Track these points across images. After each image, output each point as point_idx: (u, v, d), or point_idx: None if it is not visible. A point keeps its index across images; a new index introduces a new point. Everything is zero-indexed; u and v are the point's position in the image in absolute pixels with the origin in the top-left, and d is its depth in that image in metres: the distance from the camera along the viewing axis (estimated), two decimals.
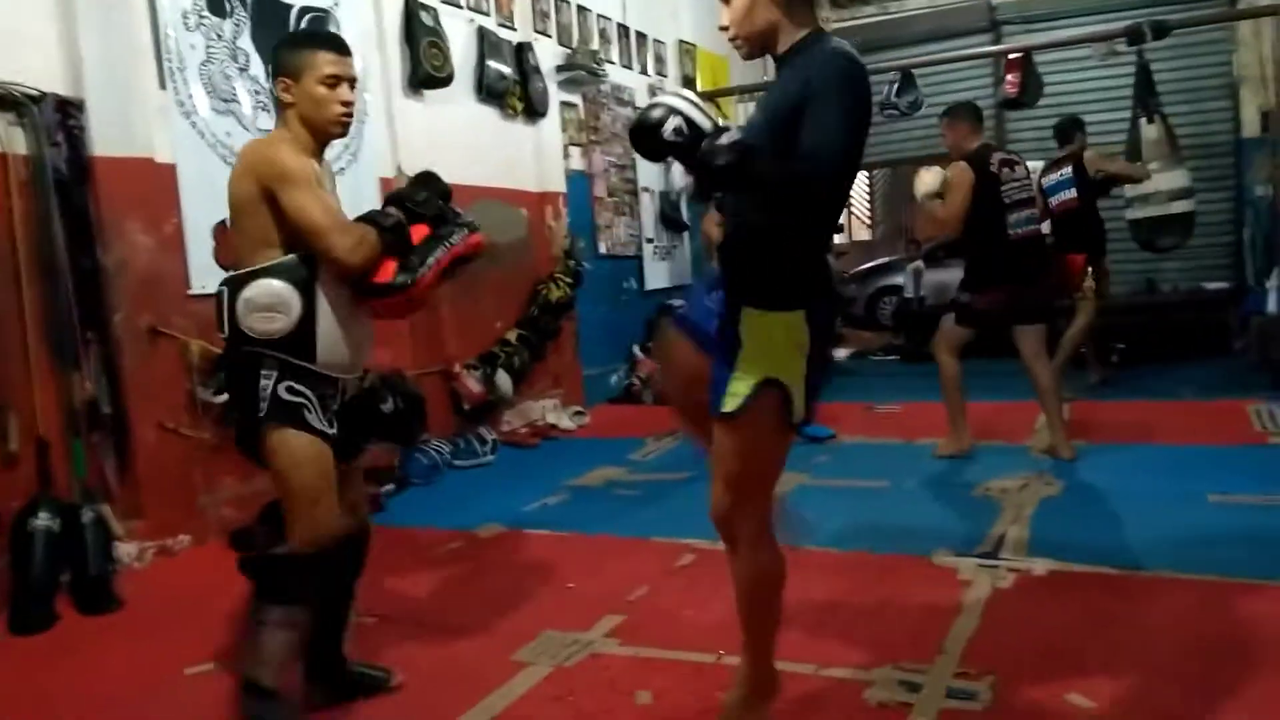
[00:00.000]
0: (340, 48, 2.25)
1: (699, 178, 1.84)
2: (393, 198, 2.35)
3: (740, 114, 8.04)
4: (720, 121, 1.75)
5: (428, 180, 2.38)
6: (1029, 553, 3.19)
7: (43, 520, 3.27)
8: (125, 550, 3.56)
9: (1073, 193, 5.63)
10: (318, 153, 2.25)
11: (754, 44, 1.93)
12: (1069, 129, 5.85)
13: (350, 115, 2.24)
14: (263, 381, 2.11)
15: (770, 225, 1.85)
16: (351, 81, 2.24)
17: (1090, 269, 5.59)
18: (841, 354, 9.17)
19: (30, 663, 2.87)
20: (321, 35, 2.44)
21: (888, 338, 9.28)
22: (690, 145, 1.72)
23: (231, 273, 2.19)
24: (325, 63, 2.18)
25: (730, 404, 1.86)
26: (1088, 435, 4.79)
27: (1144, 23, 6.05)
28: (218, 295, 2.19)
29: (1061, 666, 2.35)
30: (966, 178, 4.34)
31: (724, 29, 1.95)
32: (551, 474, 4.79)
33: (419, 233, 2.27)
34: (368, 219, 2.21)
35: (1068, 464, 4.30)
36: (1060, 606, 2.75)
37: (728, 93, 8.10)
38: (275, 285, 2.10)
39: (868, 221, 16.64)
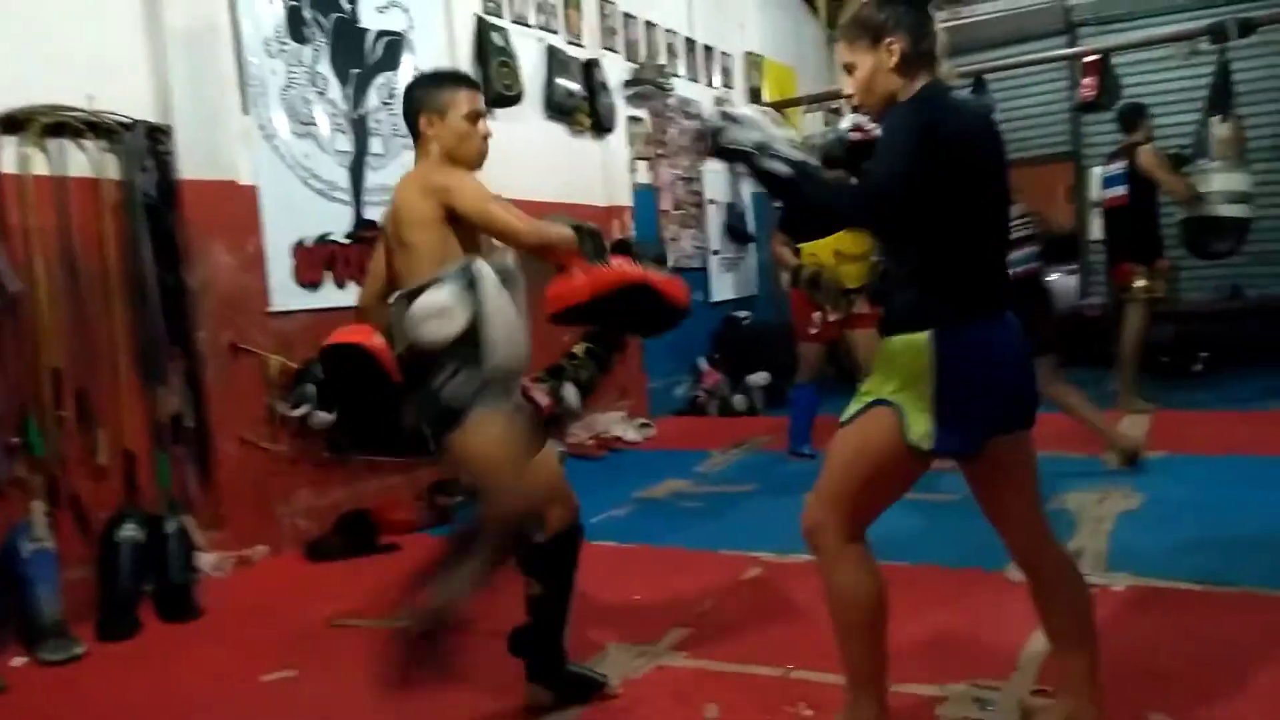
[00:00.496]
0: (475, 85, 2.46)
1: (758, 180, 1.90)
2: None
3: (808, 124, 8.00)
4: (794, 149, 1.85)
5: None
6: (1108, 568, 3.10)
7: (129, 531, 3.39)
8: (206, 560, 3.68)
9: (1122, 189, 5.45)
10: None
11: (878, 109, 1.97)
12: (1131, 116, 5.64)
13: (488, 146, 2.40)
14: (442, 381, 2.20)
15: (888, 252, 1.94)
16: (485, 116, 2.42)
17: (1143, 268, 5.40)
18: None
19: (116, 669, 2.98)
20: (459, 74, 2.61)
21: None
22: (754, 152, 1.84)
23: (400, 291, 2.30)
24: (467, 100, 2.35)
25: (845, 413, 1.93)
26: (1170, 446, 4.63)
27: (1228, 20, 5.85)
28: (394, 311, 2.29)
29: (1142, 685, 2.28)
30: None
31: (847, 97, 2.01)
32: (617, 486, 4.80)
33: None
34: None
35: (1148, 476, 4.16)
36: (1141, 623, 2.66)
37: (795, 103, 8.07)
38: (443, 293, 2.20)
39: None
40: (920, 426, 1.81)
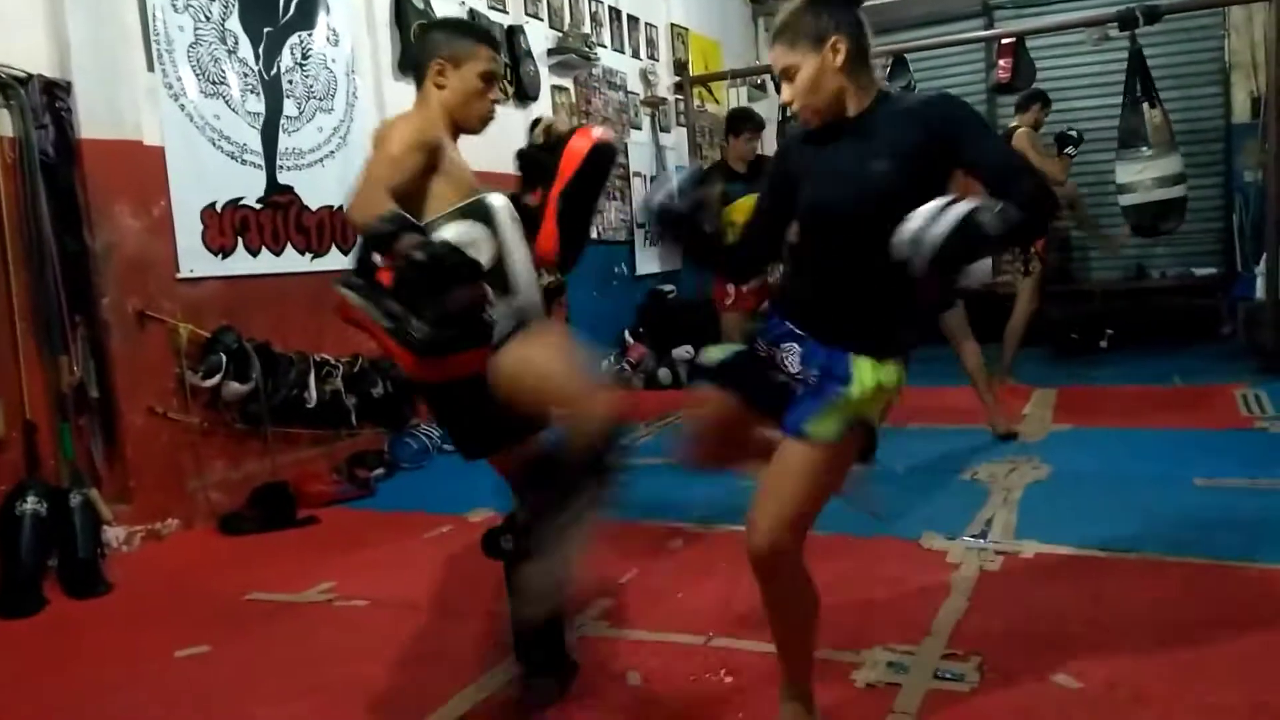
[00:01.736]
0: (499, 48, 2.25)
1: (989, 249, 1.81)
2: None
3: (732, 98, 8.02)
4: None
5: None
6: (1017, 536, 3.20)
7: (30, 504, 3.26)
8: (114, 534, 3.56)
9: None
10: (453, 139, 2.19)
11: (822, 113, 1.91)
12: (1023, 101, 5.87)
13: (492, 115, 2.22)
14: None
15: (875, 274, 1.82)
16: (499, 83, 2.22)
17: (1023, 251, 5.57)
18: None
19: (19, 646, 2.87)
20: (483, 29, 2.37)
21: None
22: None
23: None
24: (488, 58, 2.15)
25: (818, 428, 1.81)
26: (1077, 420, 4.81)
27: (1136, 7, 6.03)
28: None
29: (1049, 648, 2.36)
30: None
31: (787, 105, 1.95)
32: None
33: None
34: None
35: (1055, 449, 4.32)
36: (1048, 589, 2.76)
37: (719, 77, 8.07)
38: (464, 226, 2.02)
39: None
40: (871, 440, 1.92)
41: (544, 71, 6.40)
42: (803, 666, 1.99)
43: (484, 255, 2.00)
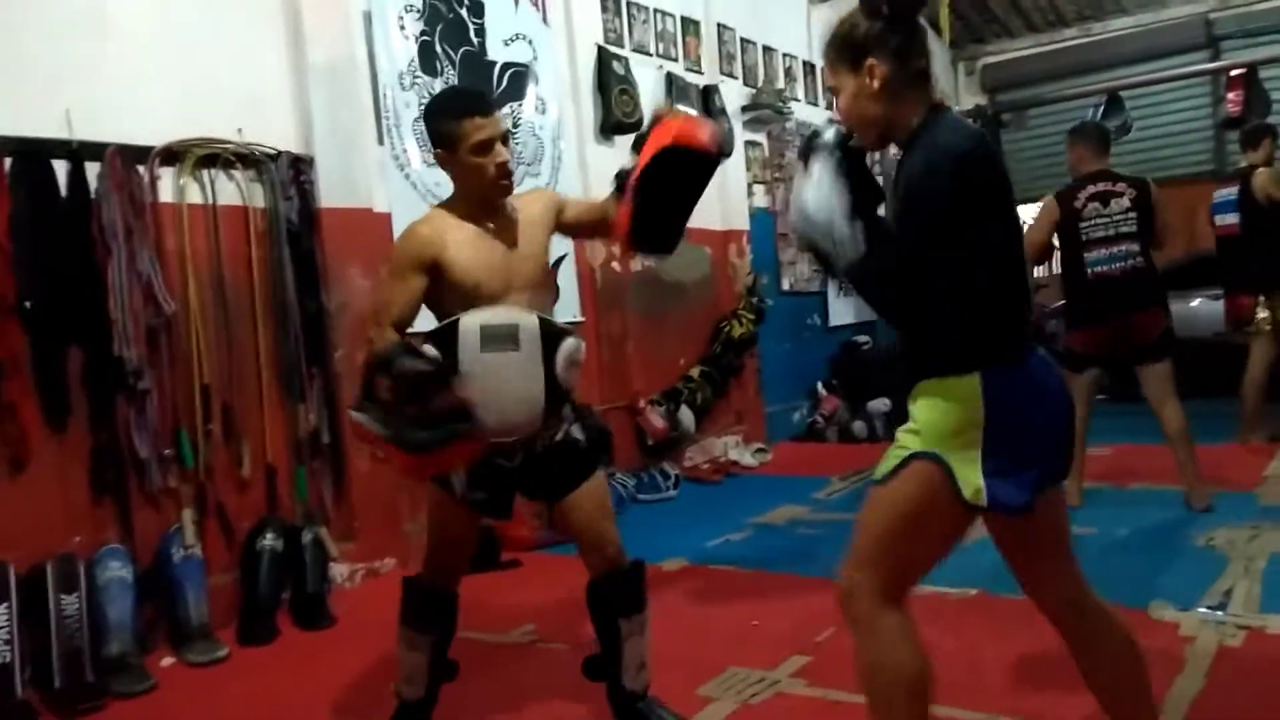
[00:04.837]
0: (485, 109, 2.22)
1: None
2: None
3: None
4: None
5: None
6: (1261, 609, 2.90)
7: (269, 540, 3.57)
8: (339, 570, 3.83)
9: (1233, 217, 5.11)
10: (484, 214, 2.25)
11: (869, 137, 1.76)
12: (1251, 135, 5.30)
13: (507, 174, 2.22)
14: None
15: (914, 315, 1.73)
16: (504, 138, 2.21)
17: (1263, 299, 5.04)
18: None
19: (254, 671, 3.13)
20: (465, 99, 2.43)
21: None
22: None
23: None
24: (474, 130, 2.15)
25: (879, 469, 1.72)
26: None
27: None
28: None
29: None
30: (1048, 209, 4.19)
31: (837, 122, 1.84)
32: (734, 510, 4.77)
33: None
34: (387, 356, 2.06)
35: None
36: None
37: None
38: (427, 349, 2.10)
39: None
40: (973, 481, 1.62)
41: (738, 127, 6.51)
42: None
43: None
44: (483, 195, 2.22)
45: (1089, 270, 4.09)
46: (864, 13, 1.71)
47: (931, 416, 1.67)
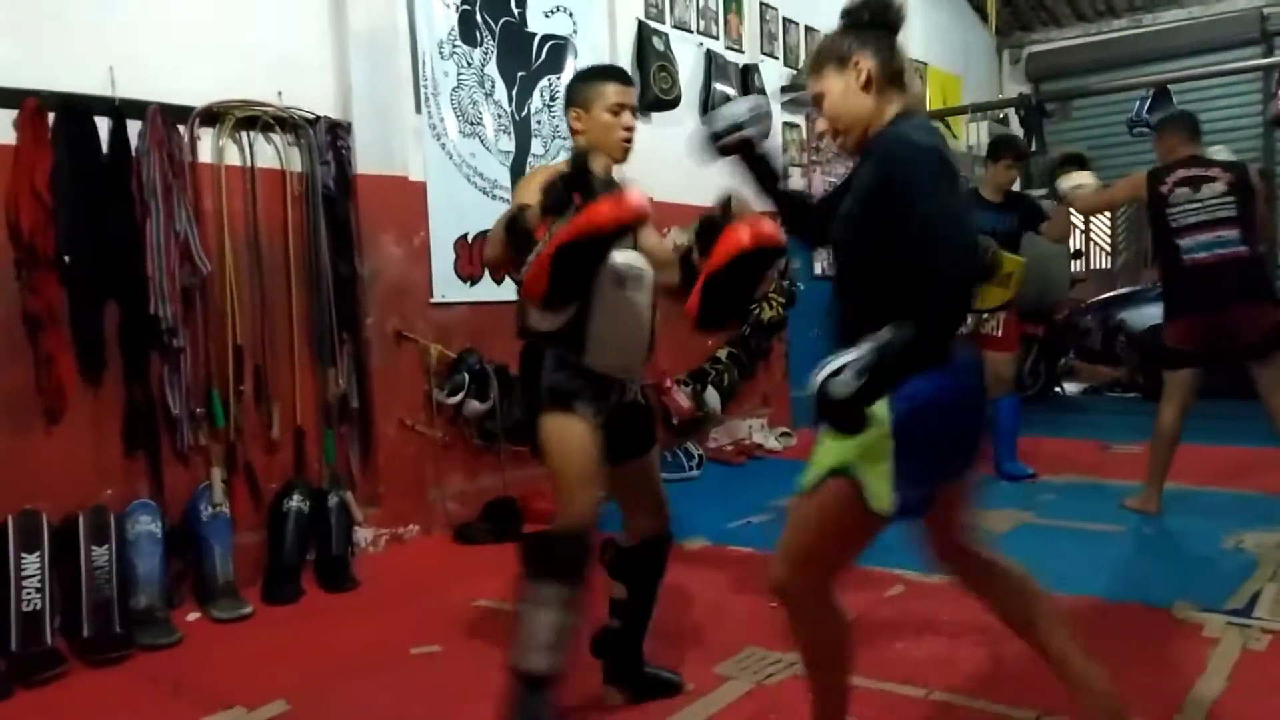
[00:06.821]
0: (625, 79, 2.43)
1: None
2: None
3: (971, 134, 7.73)
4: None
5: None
6: None
7: (296, 501, 3.61)
8: (362, 534, 3.88)
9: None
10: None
11: (855, 135, 1.87)
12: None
13: (631, 138, 2.38)
14: (542, 371, 2.24)
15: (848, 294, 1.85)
16: (634, 109, 2.40)
17: None
18: (1074, 389, 8.61)
19: (278, 628, 3.18)
20: (609, 68, 2.64)
21: (1126, 373, 8.60)
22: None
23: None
24: (612, 93, 2.34)
25: (804, 479, 1.80)
26: None
27: None
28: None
29: None
30: (1134, 183, 4.03)
31: (822, 135, 1.97)
32: (756, 493, 4.76)
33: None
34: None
35: None
36: None
37: (959, 111, 7.82)
38: None
39: (1108, 249, 15.50)
40: (883, 494, 1.70)
41: (776, 108, 6.45)
42: (829, 707, 1.96)
43: (559, 315, 2.19)
44: (609, 153, 2.36)
45: (1185, 258, 3.84)
46: (848, 18, 1.89)
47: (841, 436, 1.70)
